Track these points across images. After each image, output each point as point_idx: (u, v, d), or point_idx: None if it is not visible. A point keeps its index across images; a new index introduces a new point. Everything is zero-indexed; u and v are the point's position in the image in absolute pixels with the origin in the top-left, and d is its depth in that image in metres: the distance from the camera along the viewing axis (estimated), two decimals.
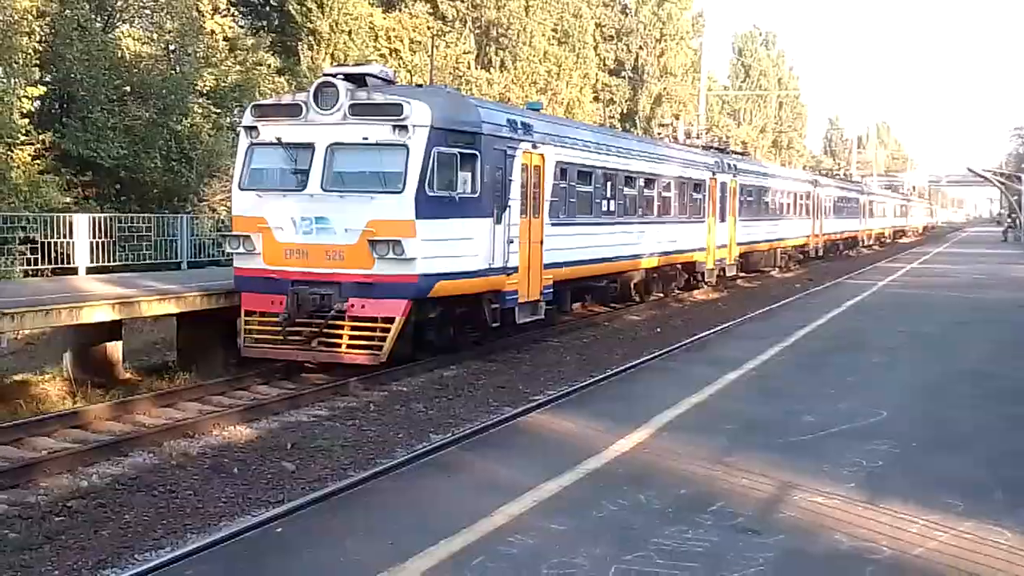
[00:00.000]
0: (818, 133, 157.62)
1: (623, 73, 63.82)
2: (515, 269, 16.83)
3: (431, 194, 14.57)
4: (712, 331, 19.92)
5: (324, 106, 14.78)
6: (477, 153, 15.55)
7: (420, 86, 19.24)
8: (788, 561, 6.81)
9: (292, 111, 15.22)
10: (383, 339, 14.19)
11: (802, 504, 7.98)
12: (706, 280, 29.57)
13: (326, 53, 34.18)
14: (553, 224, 18.58)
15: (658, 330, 21.43)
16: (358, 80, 15.25)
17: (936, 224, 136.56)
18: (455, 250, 15.20)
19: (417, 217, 14.36)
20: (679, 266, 27.42)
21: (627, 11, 65.90)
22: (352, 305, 14.30)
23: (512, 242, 16.58)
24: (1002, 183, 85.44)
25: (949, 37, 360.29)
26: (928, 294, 27.46)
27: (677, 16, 65.97)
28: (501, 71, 45.76)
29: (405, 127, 14.40)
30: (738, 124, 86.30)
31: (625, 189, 22.80)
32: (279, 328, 14.51)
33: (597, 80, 59.06)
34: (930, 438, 10.46)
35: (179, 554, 7.50)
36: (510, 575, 6.53)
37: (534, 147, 17.60)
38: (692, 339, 18.83)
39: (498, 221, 16.16)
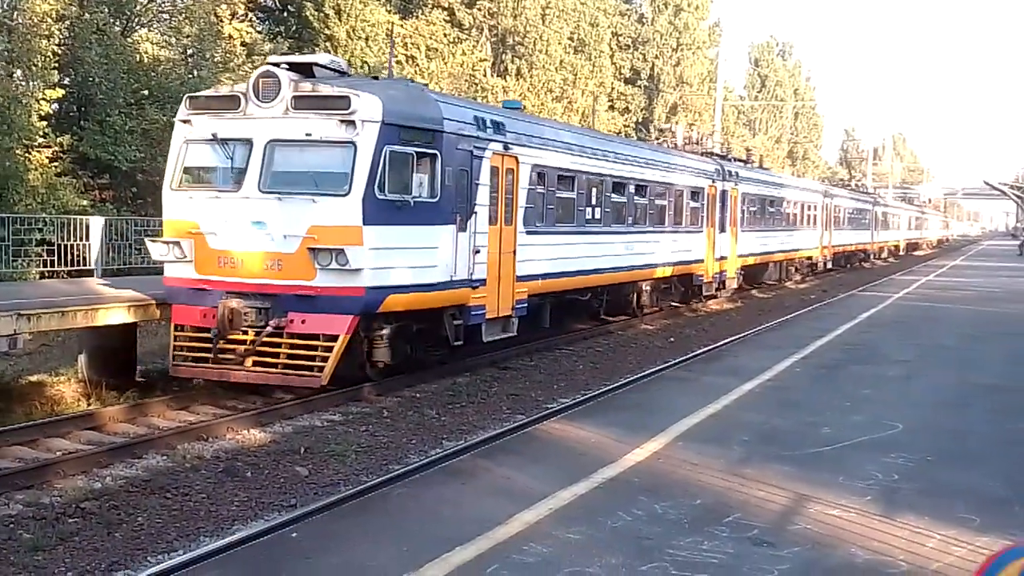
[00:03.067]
0: (834, 144, 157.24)
1: (639, 82, 63.85)
2: (482, 282, 15.47)
3: (381, 197, 13.21)
4: (726, 341, 19.88)
5: (264, 98, 13.42)
6: (437, 153, 14.14)
7: (376, 78, 17.75)
8: (803, 574, 6.77)
9: (230, 103, 13.82)
10: (325, 359, 12.94)
11: (818, 516, 7.94)
12: (704, 293, 28.26)
13: (343, 59, 34.24)
14: (528, 233, 17.15)
15: (671, 340, 21.40)
16: (305, 70, 14.00)
17: (951, 237, 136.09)
18: (409, 260, 13.90)
19: (364, 223, 13.03)
20: (675, 279, 25.92)
21: (644, 20, 66.00)
22: (291, 320, 13.05)
23: (479, 252, 15.23)
24: (1018, 196, 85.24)
25: (967, 50, 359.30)
26: (944, 307, 27.33)
27: (694, 26, 65.98)
28: (517, 79, 45.83)
29: (352, 122, 13.07)
30: (753, 134, 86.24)
31: (613, 196, 21.29)
32: (211, 345, 13.33)
33: (613, 89, 59.10)
34: (946, 451, 10.40)
35: (192, 557, 7.50)
36: None
37: (506, 148, 16.23)
38: (706, 349, 18.80)
39: (462, 229, 14.73)
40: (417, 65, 38.91)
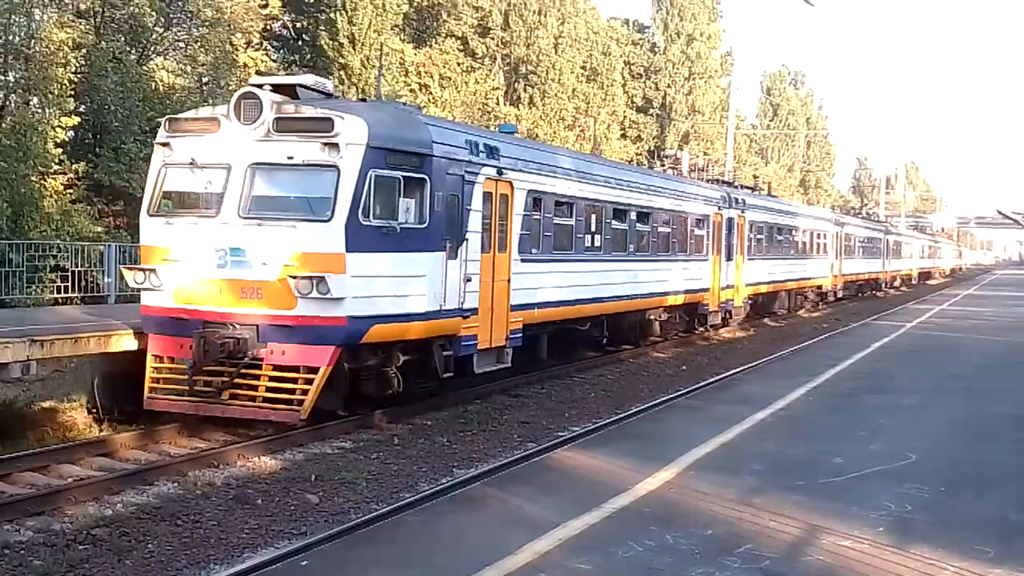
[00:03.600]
0: (846, 172, 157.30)
1: (651, 111, 64.02)
2: (474, 311, 14.85)
3: (366, 223, 12.68)
4: (739, 369, 19.80)
5: (245, 120, 12.88)
6: (426, 177, 13.65)
7: (364, 100, 16.90)
8: None
9: (209, 125, 13.35)
10: (305, 392, 12.36)
11: (830, 547, 7.89)
12: (710, 323, 27.45)
13: (357, 88, 34.48)
14: (524, 260, 16.58)
15: (683, 368, 21.33)
16: (288, 92, 13.50)
17: (964, 266, 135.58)
18: (396, 289, 13.35)
19: (348, 250, 12.48)
20: (679, 308, 25.21)
21: (656, 50, 66.27)
22: (271, 351, 12.53)
23: (470, 280, 14.61)
24: None
25: (980, 79, 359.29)
26: (958, 336, 27.21)
27: (706, 55, 66.23)
28: (530, 107, 46.02)
29: (336, 145, 12.53)
30: (766, 163, 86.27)
31: (613, 223, 20.73)
32: (186, 377, 12.84)
33: (625, 117, 59.28)
34: (961, 482, 10.33)
35: None
36: None
37: (500, 173, 15.69)
38: (719, 377, 18.72)
39: (452, 256, 14.15)
40: (431, 94, 39.14)
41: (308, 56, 38.39)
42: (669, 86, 64.44)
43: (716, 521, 8.54)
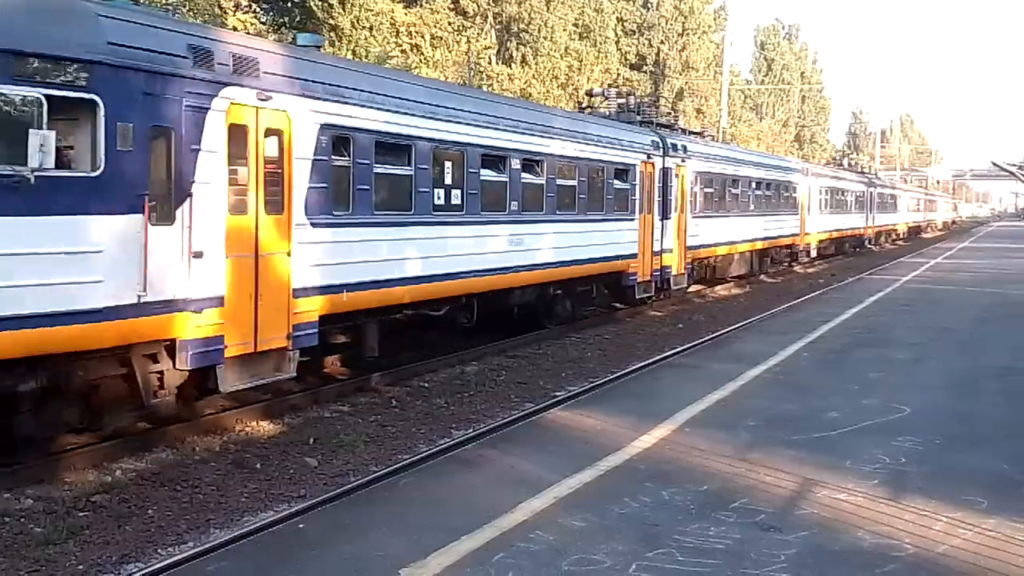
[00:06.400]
0: (842, 127, 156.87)
1: (644, 68, 63.70)
2: (215, 301, 10.44)
3: None
4: (734, 327, 19.85)
5: None
6: (96, 99, 9.12)
7: None
8: (810, 558, 6.78)
9: None
10: None
11: (824, 501, 7.96)
12: (639, 296, 22.63)
13: (347, 49, 34.24)
14: (317, 225, 11.99)
15: (680, 326, 21.37)
16: None
17: (959, 219, 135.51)
18: (36, 274, 8.73)
19: None
20: (597, 278, 20.85)
21: (649, 5, 65.84)
22: None
23: (201, 256, 10.22)
24: None
25: (974, 30, 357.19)
26: (952, 290, 27.28)
27: (699, 10, 65.85)
28: (522, 66, 45.75)
29: None
30: (760, 118, 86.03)
31: (484, 174, 15.91)
32: None
33: (618, 75, 58.95)
34: (954, 434, 10.40)
35: (202, 549, 7.54)
36: (531, 572, 6.54)
37: (264, 98, 11.08)
38: (714, 335, 18.77)
39: (162, 220, 9.82)
40: (422, 54, 38.87)
41: (298, 18, 38.10)
42: (663, 42, 64.12)
43: (711, 477, 8.61)
